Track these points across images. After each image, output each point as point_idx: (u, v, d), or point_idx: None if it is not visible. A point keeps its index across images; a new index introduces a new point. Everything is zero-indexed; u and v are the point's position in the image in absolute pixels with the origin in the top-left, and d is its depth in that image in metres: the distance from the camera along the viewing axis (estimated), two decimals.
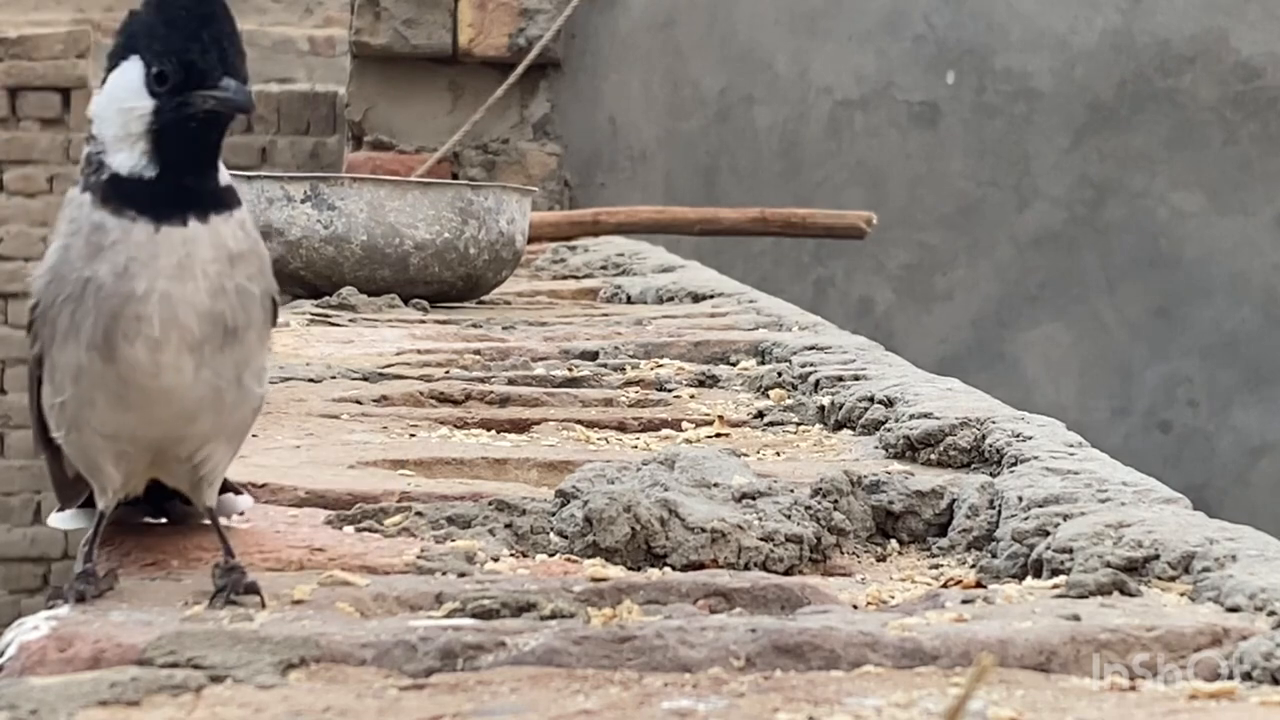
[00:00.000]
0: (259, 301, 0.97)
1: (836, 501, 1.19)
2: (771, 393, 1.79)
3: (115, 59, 0.97)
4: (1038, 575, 1.05)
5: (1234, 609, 0.92)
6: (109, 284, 0.94)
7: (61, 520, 1.11)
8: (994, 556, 1.12)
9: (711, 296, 2.81)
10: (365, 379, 1.84)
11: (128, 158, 0.95)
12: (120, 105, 0.96)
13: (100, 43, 5.95)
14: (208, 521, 1.04)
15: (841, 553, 1.18)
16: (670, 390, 1.84)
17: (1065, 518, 1.09)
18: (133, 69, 0.96)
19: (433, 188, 2.83)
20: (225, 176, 0.98)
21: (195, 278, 0.94)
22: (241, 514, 1.12)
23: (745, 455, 1.38)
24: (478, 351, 2.11)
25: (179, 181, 0.95)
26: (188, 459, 0.99)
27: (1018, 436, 1.34)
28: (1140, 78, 4.68)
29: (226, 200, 0.96)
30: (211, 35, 0.95)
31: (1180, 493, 1.15)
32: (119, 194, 0.95)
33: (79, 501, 1.08)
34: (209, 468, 1.00)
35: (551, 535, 1.13)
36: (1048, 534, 1.07)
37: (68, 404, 0.97)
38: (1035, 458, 1.27)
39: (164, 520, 1.11)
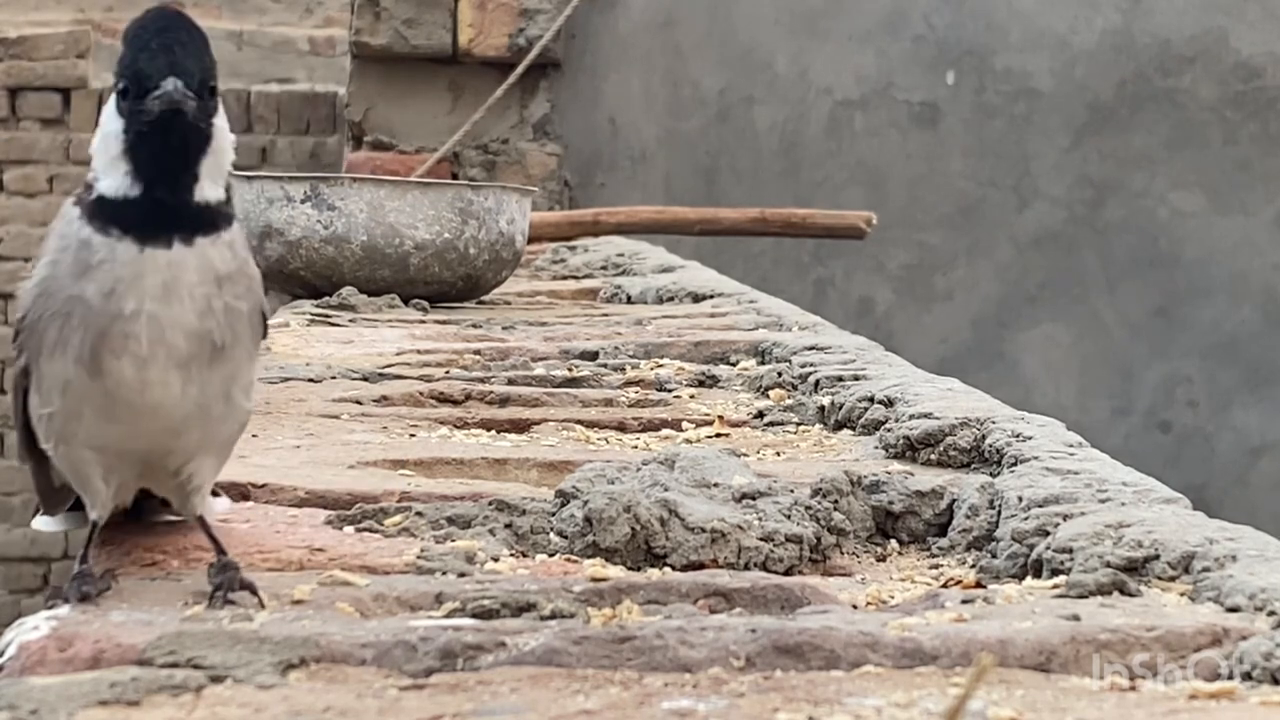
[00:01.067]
0: (247, 319, 0.98)
1: (836, 501, 1.19)
2: (771, 393, 1.78)
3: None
4: (1038, 575, 1.05)
5: (1234, 609, 0.92)
6: (97, 304, 0.94)
7: (47, 523, 1.11)
8: (994, 556, 1.11)
9: (711, 296, 2.81)
10: (365, 379, 1.84)
11: (113, 181, 0.96)
12: (104, 131, 0.97)
13: (100, 43, 5.96)
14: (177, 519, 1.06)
15: (841, 553, 1.18)
16: (670, 390, 1.84)
17: (1065, 518, 1.09)
18: (112, 97, 0.97)
19: (433, 188, 2.83)
20: (218, 193, 0.97)
21: (182, 300, 0.95)
22: (223, 518, 1.12)
23: (745, 455, 1.38)
24: (478, 351, 2.11)
25: (157, 198, 0.95)
26: (175, 472, 1.01)
27: (1018, 436, 1.34)
28: (1140, 78, 4.68)
29: (215, 221, 0.96)
30: (161, 43, 0.95)
31: (1180, 493, 1.15)
32: (104, 214, 0.95)
33: (66, 506, 1.09)
34: (197, 481, 1.01)
35: (551, 535, 1.13)
36: (1048, 534, 1.07)
37: (55, 416, 0.98)
38: (1035, 458, 1.27)
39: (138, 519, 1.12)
